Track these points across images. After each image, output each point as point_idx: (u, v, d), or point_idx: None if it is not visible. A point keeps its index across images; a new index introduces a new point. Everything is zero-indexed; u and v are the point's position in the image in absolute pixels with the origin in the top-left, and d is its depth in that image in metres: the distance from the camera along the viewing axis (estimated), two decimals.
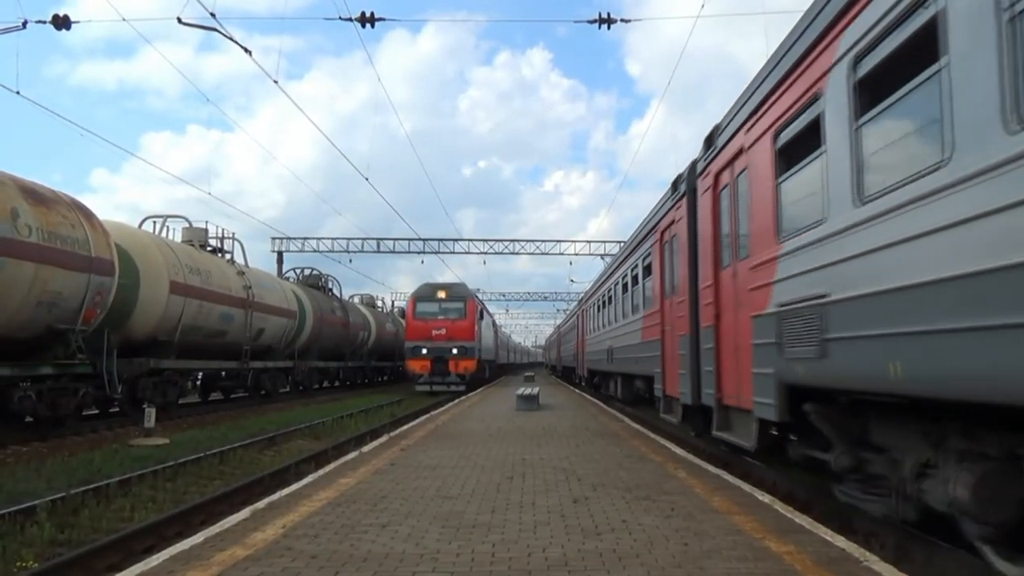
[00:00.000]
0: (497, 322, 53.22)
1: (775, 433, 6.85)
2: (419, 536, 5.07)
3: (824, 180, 5.33)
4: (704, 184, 9.04)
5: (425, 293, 33.15)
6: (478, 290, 47.68)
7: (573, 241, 45.88)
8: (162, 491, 9.00)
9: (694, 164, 9.82)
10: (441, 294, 32.63)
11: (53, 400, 14.08)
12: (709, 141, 8.99)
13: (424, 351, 31.06)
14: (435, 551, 4.67)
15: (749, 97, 7.28)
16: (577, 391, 30.54)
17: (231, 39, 13.46)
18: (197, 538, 5.10)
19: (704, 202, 9.07)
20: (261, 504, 6.30)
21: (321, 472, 8.16)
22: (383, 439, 11.53)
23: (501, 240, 44.59)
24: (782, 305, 6.18)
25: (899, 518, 5.18)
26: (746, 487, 6.96)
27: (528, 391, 19.40)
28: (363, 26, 13.71)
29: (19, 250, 12.43)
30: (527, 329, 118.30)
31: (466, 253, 43.97)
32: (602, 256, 41.55)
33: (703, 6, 22.03)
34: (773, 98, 6.47)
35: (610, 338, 19.72)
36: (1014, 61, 3.38)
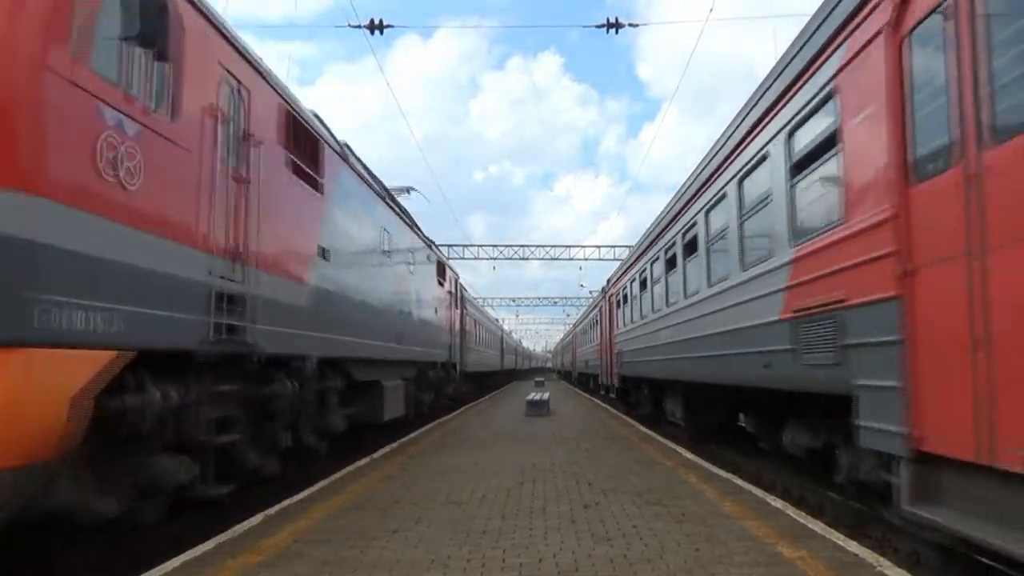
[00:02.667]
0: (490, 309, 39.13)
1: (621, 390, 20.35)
2: (429, 542, 5.08)
3: (628, 315, 17.81)
4: (607, 296, 22.68)
5: None
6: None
7: (583, 246, 45.74)
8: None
9: (605, 287, 24.04)
10: None
11: None
12: (608, 281, 23.13)
13: None
14: (445, 557, 4.68)
15: (615, 273, 21.34)
16: (586, 396, 30.52)
17: None
18: (210, 544, 5.13)
19: (609, 304, 22.06)
20: (273, 510, 6.33)
21: (332, 478, 8.19)
22: (393, 444, 11.56)
23: (511, 245, 44.25)
24: (620, 350, 19.21)
25: (646, 414, 16.59)
26: (758, 492, 6.93)
27: (538, 396, 19.26)
28: (372, 33, 13.72)
29: None
30: (537, 334, 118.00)
31: (476, 259, 43.84)
32: (612, 259, 41.60)
33: (711, 10, 22.04)
34: (617, 281, 20.33)
35: (587, 353, 33.59)
36: None
